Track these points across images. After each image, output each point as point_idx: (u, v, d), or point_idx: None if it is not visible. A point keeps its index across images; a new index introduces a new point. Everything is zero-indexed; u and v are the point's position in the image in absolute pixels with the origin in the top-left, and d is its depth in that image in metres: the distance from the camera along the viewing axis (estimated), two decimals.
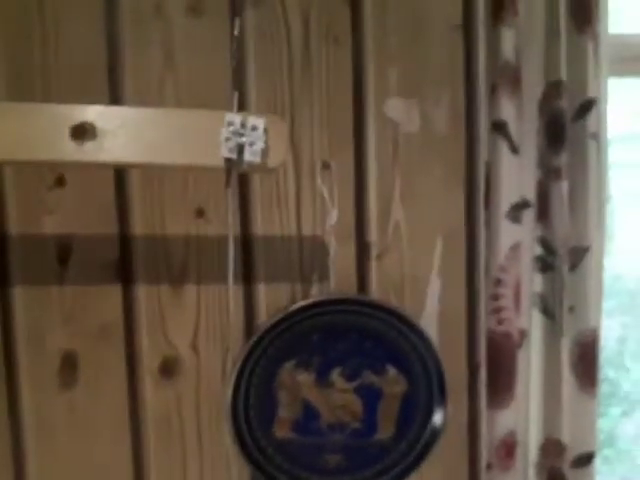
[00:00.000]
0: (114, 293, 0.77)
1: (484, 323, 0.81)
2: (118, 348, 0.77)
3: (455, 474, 0.82)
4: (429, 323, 0.79)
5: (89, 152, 0.52)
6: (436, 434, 0.78)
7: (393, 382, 0.78)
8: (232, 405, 0.75)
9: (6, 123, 0.52)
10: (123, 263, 0.77)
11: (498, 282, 0.80)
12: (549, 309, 0.84)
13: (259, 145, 0.52)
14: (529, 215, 0.81)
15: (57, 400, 0.77)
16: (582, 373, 0.83)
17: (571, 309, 0.82)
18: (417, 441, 0.78)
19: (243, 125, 0.52)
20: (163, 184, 0.76)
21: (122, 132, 0.52)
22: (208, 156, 0.52)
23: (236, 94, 0.61)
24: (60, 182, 0.75)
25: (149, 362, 0.78)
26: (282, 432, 0.78)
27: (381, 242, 0.79)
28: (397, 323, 0.76)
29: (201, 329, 0.78)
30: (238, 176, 0.76)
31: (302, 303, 0.74)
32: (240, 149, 0.52)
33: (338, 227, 0.78)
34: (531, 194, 0.81)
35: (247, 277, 0.78)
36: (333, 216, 0.77)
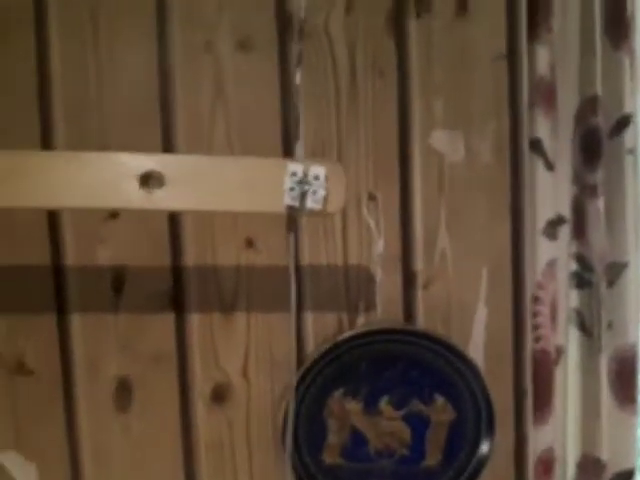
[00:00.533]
0: (167, 321, 0.79)
1: (530, 350, 0.81)
2: (171, 374, 0.80)
3: None
4: (476, 351, 0.80)
5: (157, 200, 0.54)
6: (483, 462, 0.79)
7: (441, 410, 0.78)
8: (282, 432, 0.77)
9: (76, 172, 0.54)
10: (176, 292, 0.79)
11: (535, 299, 0.80)
12: (586, 325, 0.84)
13: (321, 193, 0.54)
14: (565, 231, 0.81)
15: (112, 424, 0.80)
16: (621, 389, 0.83)
17: (609, 325, 0.82)
18: (464, 468, 0.79)
19: (305, 174, 0.53)
20: (214, 215, 0.78)
21: (188, 180, 0.54)
22: (272, 204, 0.53)
23: (299, 143, 0.62)
24: (114, 215, 0.77)
25: (201, 388, 0.80)
26: (331, 458, 0.79)
27: (427, 271, 0.80)
28: (444, 352, 0.77)
29: (251, 356, 0.80)
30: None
31: (350, 333, 0.76)
32: (302, 197, 0.53)
33: (384, 257, 0.79)
34: (566, 210, 0.81)
35: (298, 307, 0.79)
36: (379, 246, 0.78)
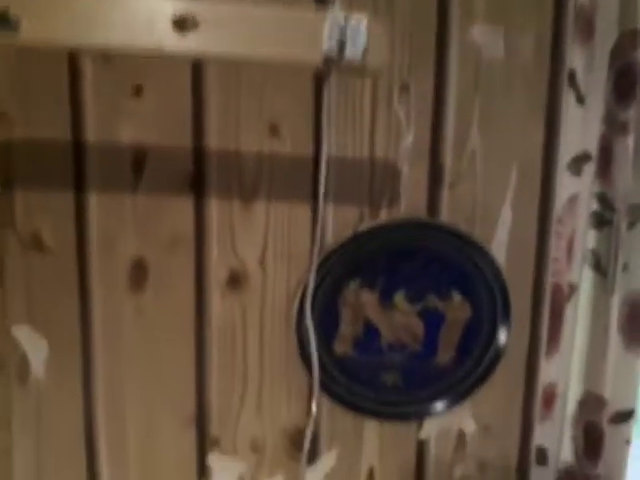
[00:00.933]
0: (186, 205, 0.78)
1: (551, 256, 0.80)
2: (187, 258, 0.79)
3: (511, 401, 0.84)
4: (498, 253, 0.79)
5: (190, 42, 0.51)
6: (495, 362, 0.79)
7: (457, 307, 0.78)
8: (297, 319, 0.77)
9: (110, 11, 0.51)
10: (196, 176, 0.77)
11: (555, 234, 0.79)
12: (601, 266, 0.83)
13: (361, 42, 0.51)
14: (589, 169, 0.79)
15: (126, 304, 0.80)
16: (629, 331, 0.82)
17: (625, 267, 0.81)
18: (476, 367, 0.80)
19: (346, 21, 0.50)
20: (239, 97, 0.75)
21: (224, 24, 0.51)
22: (309, 51, 0.51)
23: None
24: (138, 91, 0.75)
25: (216, 273, 0.80)
26: (342, 348, 0.80)
27: (455, 169, 0.78)
28: (466, 247, 0.76)
29: (269, 246, 0.79)
30: (313, 95, 0.75)
31: (371, 224, 0.74)
32: (341, 46, 0.51)
33: (412, 151, 0.77)
34: (593, 148, 0.79)
35: (316, 196, 0.78)
36: (408, 139, 0.76)
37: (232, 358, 0.82)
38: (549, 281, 0.81)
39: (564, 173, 0.79)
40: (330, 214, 0.78)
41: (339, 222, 0.78)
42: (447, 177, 0.78)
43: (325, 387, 0.80)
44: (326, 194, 0.78)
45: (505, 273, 0.77)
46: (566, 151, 0.79)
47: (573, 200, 0.79)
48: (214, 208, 0.78)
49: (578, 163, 0.79)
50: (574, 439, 0.87)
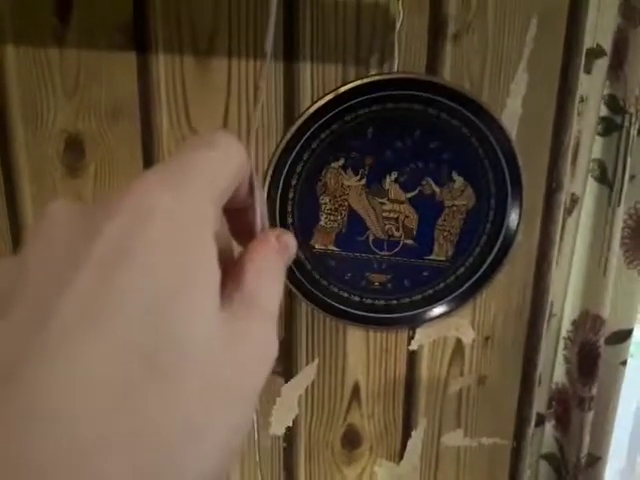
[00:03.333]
0: (127, 62, 0.63)
1: (572, 134, 0.66)
2: (132, 132, 0.65)
3: (517, 310, 0.72)
4: (509, 127, 0.64)
5: None
6: (499, 264, 0.67)
7: (458, 194, 0.65)
8: (268, 208, 0.64)
9: None
10: (137, 26, 0.61)
11: None
12: (607, 177, 0.73)
13: None
14: (602, 66, 0.68)
15: (62, 191, 0.66)
16: (633, 246, 0.74)
17: (632, 177, 0.71)
18: (477, 268, 0.67)
19: None
20: None
21: None
22: None
23: None
24: None
25: (169, 148, 0.65)
26: (322, 244, 0.67)
27: (462, 17, 0.62)
28: (472, 117, 0.61)
29: (232, 115, 0.64)
30: None
31: (357, 82, 0.59)
32: None
33: None
34: (607, 42, 0.67)
35: (289, 53, 0.62)
36: None
37: None
38: (568, 168, 0.68)
39: None
40: (307, 75, 0.63)
41: (318, 85, 0.63)
42: (452, 26, 0.62)
43: (303, 289, 0.68)
44: (300, 49, 0.63)
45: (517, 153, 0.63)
46: None
47: (581, 102, 0.68)
48: (161, 65, 0.63)
49: (589, 58, 0.66)
50: (567, 360, 0.81)
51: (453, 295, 0.69)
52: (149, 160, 0.65)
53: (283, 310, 0.71)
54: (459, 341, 0.73)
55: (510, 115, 0.65)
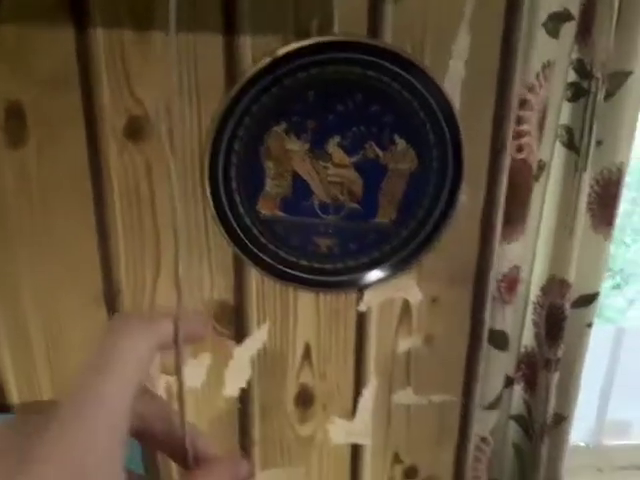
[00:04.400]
0: (66, 34, 0.61)
1: (516, 96, 0.67)
2: (74, 103, 0.64)
3: (462, 271, 0.74)
4: (451, 89, 0.65)
5: None
6: (442, 224, 0.68)
7: (401, 157, 0.66)
8: (210, 175, 0.64)
9: None
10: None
11: (524, 103, 0.67)
12: (574, 142, 0.73)
13: None
14: (569, 30, 0.67)
15: (3, 162, 0.66)
16: (599, 211, 0.75)
17: (599, 143, 0.71)
18: (420, 230, 0.69)
19: None
20: None
21: None
22: None
23: None
24: None
25: (112, 121, 0.65)
26: (268, 210, 0.68)
27: None
28: (413, 80, 0.62)
29: (172, 83, 0.64)
30: None
31: (295, 45, 0.59)
32: None
33: None
34: (575, 6, 0.66)
35: (229, 25, 0.62)
36: None
37: (140, 224, 0.69)
38: (511, 130, 0.68)
39: (539, 32, 0.64)
40: (247, 46, 0.63)
41: (257, 53, 0.63)
42: None
43: (251, 255, 0.69)
44: (239, 20, 0.62)
45: (460, 115, 0.64)
46: (544, 6, 0.64)
47: (548, 66, 0.66)
48: (101, 38, 0.62)
49: (556, 22, 0.65)
50: (536, 324, 0.83)
51: (399, 257, 0.70)
52: (92, 132, 0.65)
53: (232, 275, 0.72)
54: (406, 302, 0.75)
55: (453, 77, 0.65)
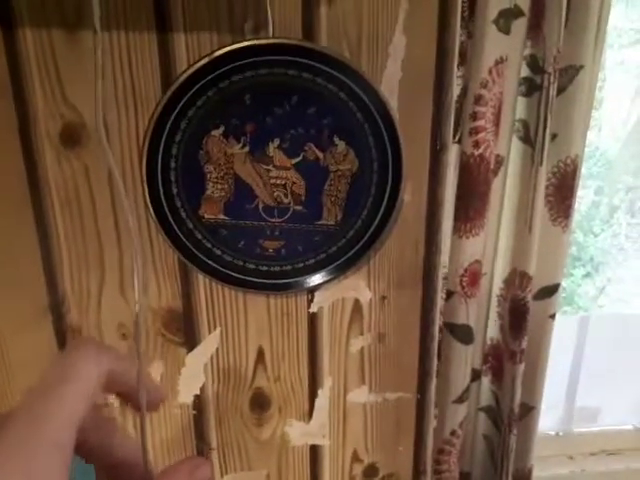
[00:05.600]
0: None
1: (453, 94, 0.68)
2: (6, 109, 0.63)
3: (410, 270, 0.75)
4: (389, 90, 0.65)
5: None
6: (387, 222, 0.69)
7: (341, 158, 0.66)
8: (149, 181, 0.63)
9: None
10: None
11: (478, 99, 0.68)
12: (530, 137, 0.74)
13: None
14: (520, 26, 0.68)
15: None
16: (556, 203, 0.76)
17: (554, 136, 0.73)
18: (365, 230, 0.69)
19: None
20: None
21: None
22: None
23: None
24: None
25: (47, 127, 0.64)
26: (212, 214, 0.67)
27: None
28: (349, 83, 0.62)
29: (108, 87, 0.63)
30: None
31: (229, 47, 0.59)
32: None
33: None
34: (525, 2, 0.67)
35: (161, 24, 0.61)
36: None
37: (82, 233, 0.68)
38: (451, 129, 0.69)
39: (490, 28, 0.65)
40: (181, 45, 0.62)
41: (194, 54, 0.62)
42: None
43: (196, 260, 0.68)
44: (172, 20, 0.61)
45: (397, 115, 0.64)
46: (493, 3, 0.64)
47: (501, 62, 0.67)
48: (29, 40, 0.61)
49: (507, 19, 0.66)
50: (500, 316, 0.84)
51: (346, 257, 0.71)
52: (26, 137, 0.63)
53: (179, 281, 0.71)
54: (357, 301, 0.75)
55: (390, 78, 0.66)
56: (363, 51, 0.64)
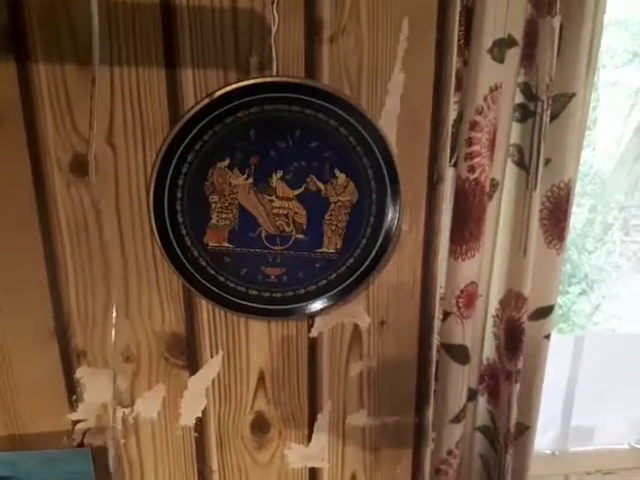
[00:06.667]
0: (6, 69, 0.62)
1: (449, 129, 0.70)
2: (18, 138, 0.65)
3: (408, 296, 0.77)
4: (388, 125, 0.68)
5: None
6: (386, 250, 0.71)
7: (342, 190, 0.68)
8: (156, 210, 0.66)
9: None
10: (15, 30, 0.61)
11: (474, 125, 0.70)
12: (524, 161, 0.77)
13: None
14: (514, 55, 0.71)
15: None
16: (550, 227, 0.79)
17: (547, 161, 0.75)
18: (366, 256, 0.71)
19: None
20: None
21: None
22: None
23: None
24: None
25: (57, 157, 0.66)
26: (216, 242, 0.69)
27: (335, 20, 0.65)
28: (349, 119, 0.64)
29: (116, 119, 0.65)
30: None
31: (234, 86, 0.61)
32: None
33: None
34: (519, 32, 0.70)
35: (170, 60, 0.64)
36: None
37: (89, 259, 0.70)
38: (447, 161, 0.72)
39: (485, 58, 0.68)
40: (189, 81, 0.65)
41: (201, 89, 0.65)
42: (327, 30, 0.65)
43: (199, 287, 0.70)
44: (181, 55, 0.64)
45: (395, 149, 0.67)
46: (488, 34, 0.67)
47: (496, 89, 0.70)
48: (42, 73, 0.63)
49: (501, 48, 0.69)
50: (496, 336, 0.85)
51: (345, 284, 0.73)
52: (36, 163, 0.66)
53: (182, 306, 0.73)
54: (356, 326, 0.77)
55: (389, 113, 0.68)
56: (363, 88, 0.67)
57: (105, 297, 0.72)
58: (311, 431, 0.82)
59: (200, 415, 0.79)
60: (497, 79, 0.69)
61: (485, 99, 0.70)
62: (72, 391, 0.75)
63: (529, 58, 0.72)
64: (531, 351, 0.82)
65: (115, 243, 0.69)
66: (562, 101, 0.73)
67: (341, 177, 0.68)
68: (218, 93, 0.61)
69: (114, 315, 0.72)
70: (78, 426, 0.76)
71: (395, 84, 0.68)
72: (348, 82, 0.67)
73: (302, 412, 0.80)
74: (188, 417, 0.78)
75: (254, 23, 0.64)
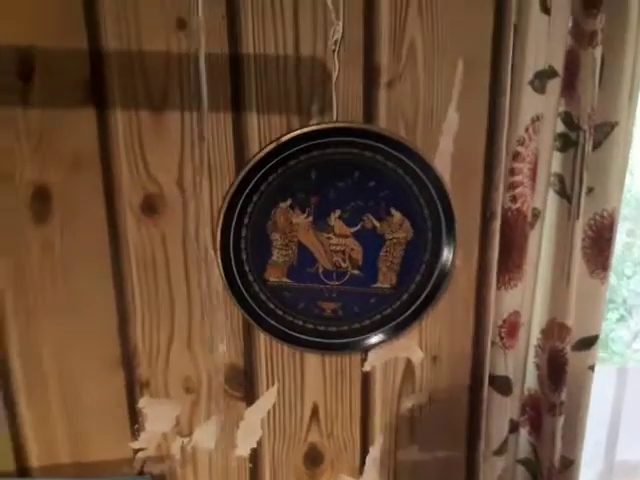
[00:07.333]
0: (87, 118, 0.68)
1: (502, 168, 0.72)
2: (94, 181, 0.70)
3: (461, 328, 0.78)
4: (442, 164, 0.70)
5: None
6: (440, 286, 0.72)
7: (397, 228, 0.70)
8: (222, 247, 0.69)
9: None
10: (96, 83, 0.67)
11: (516, 155, 0.72)
12: (566, 190, 0.77)
13: None
14: (555, 86, 0.72)
15: (30, 237, 0.71)
16: (593, 256, 0.78)
17: (590, 190, 0.76)
18: (421, 292, 0.73)
19: None
20: None
21: None
22: None
23: None
24: None
25: (130, 198, 0.70)
26: (276, 277, 0.72)
27: (393, 66, 0.68)
28: (406, 160, 0.67)
29: (186, 163, 0.69)
30: None
31: (298, 132, 0.65)
32: None
33: (343, 46, 0.66)
34: (559, 63, 0.71)
35: (236, 104, 0.68)
36: (338, 30, 0.65)
37: (155, 293, 0.74)
38: (500, 198, 0.73)
39: (526, 89, 0.70)
40: (253, 124, 0.69)
41: (264, 135, 0.69)
42: (384, 76, 0.68)
43: (259, 320, 0.73)
44: (246, 101, 0.68)
45: (450, 187, 0.69)
46: (529, 66, 0.69)
47: (537, 120, 0.72)
48: (119, 120, 0.68)
49: (542, 79, 0.71)
50: (538, 367, 0.85)
51: (399, 319, 0.74)
52: (111, 207, 0.70)
53: (242, 339, 0.75)
54: (409, 361, 0.78)
55: (443, 153, 0.70)
56: (419, 129, 0.70)
57: (169, 330, 0.75)
58: (363, 464, 0.82)
59: (255, 446, 0.80)
60: (538, 110, 0.71)
61: (527, 130, 0.71)
62: (134, 420, 0.78)
63: (570, 88, 0.73)
64: (575, 382, 0.81)
65: (181, 278, 0.73)
66: (604, 130, 0.74)
67: (397, 215, 0.70)
68: (284, 138, 0.64)
69: (177, 347, 0.75)
70: (139, 454, 0.79)
71: (449, 124, 0.70)
72: (404, 124, 0.69)
73: (354, 445, 0.81)
74: (244, 448, 0.80)
75: (315, 70, 0.67)
